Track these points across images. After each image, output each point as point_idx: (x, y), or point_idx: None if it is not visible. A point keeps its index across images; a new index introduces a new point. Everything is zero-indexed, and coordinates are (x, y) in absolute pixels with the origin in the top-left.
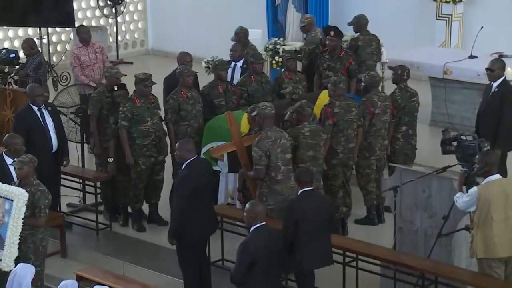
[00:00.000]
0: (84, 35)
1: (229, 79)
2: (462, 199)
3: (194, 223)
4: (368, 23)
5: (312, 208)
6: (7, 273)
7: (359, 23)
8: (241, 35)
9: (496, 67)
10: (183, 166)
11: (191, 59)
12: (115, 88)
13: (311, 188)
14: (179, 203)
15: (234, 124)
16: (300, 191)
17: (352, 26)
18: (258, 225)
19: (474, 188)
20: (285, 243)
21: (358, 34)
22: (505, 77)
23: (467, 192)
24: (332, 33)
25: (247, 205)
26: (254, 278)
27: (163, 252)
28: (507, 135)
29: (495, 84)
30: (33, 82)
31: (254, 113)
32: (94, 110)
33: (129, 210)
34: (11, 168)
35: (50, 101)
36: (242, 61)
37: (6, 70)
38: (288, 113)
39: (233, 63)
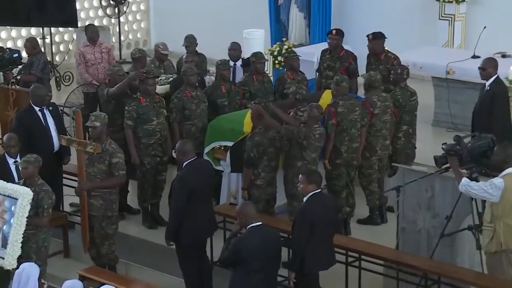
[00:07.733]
0: (92, 34)
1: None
2: (485, 188)
3: (192, 224)
4: None
5: (321, 209)
6: (9, 272)
7: None
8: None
9: (488, 66)
10: (182, 167)
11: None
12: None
13: (319, 190)
14: (176, 204)
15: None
16: (310, 194)
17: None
18: (253, 224)
19: (499, 179)
20: (293, 247)
21: None
22: (497, 76)
23: (468, 180)
24: (334, 31)
25: (237, 207)
26: (250, 278)
27: (166, 252)
28: (499, 134)
29: (487, 83)
30: (37, 82)
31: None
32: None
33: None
34: (13, 168)
35: (56, 102)
36: (240, 60)
37: (14, 74)
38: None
39: (232, 63)
